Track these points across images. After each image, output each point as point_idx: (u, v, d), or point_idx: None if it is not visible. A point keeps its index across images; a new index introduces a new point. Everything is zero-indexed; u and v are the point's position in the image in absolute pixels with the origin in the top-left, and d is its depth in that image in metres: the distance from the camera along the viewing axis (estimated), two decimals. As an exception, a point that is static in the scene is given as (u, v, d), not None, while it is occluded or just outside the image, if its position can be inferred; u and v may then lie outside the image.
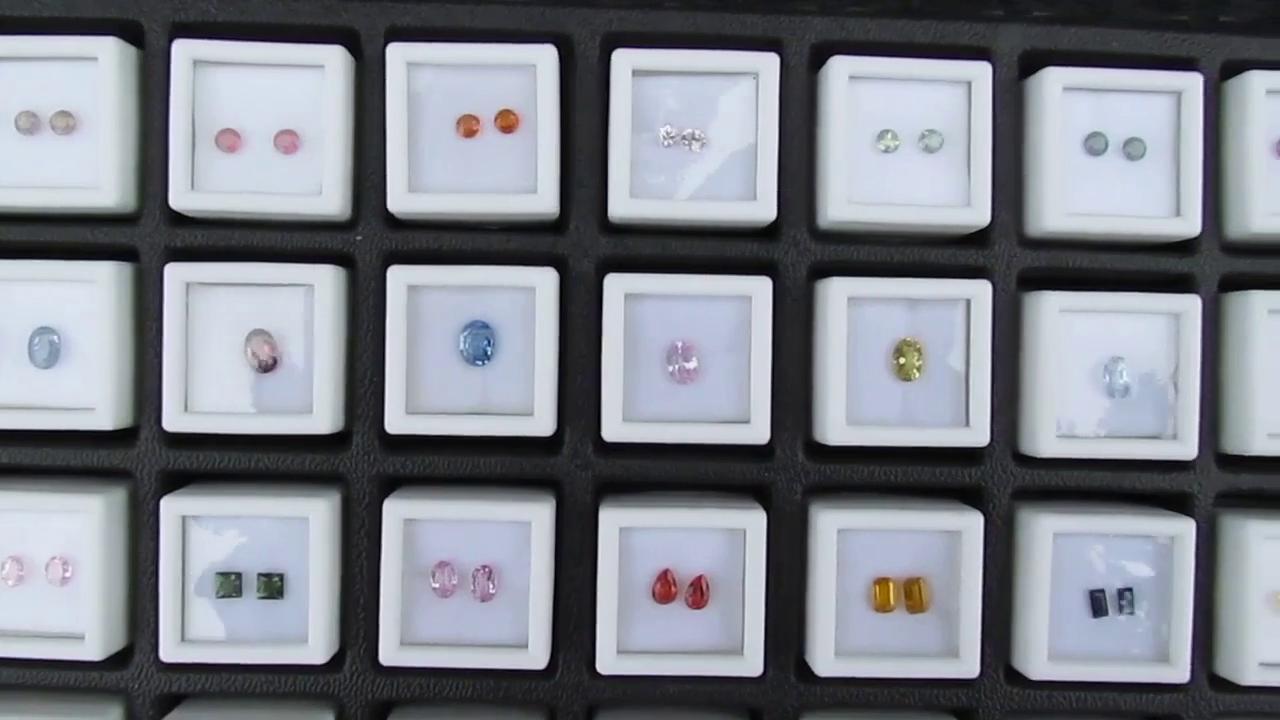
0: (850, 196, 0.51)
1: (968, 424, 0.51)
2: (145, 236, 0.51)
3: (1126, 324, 0.52)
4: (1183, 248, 0.53)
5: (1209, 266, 0.53)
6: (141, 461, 0.51)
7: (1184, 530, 0.51)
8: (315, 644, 0.50)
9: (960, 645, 0.51)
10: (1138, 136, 0.52)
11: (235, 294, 0.51)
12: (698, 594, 0.51)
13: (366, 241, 0.51)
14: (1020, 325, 0.53)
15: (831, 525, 0.51)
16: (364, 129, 0.51)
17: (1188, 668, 0.51)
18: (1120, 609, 0.52)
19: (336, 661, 0.52)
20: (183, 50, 0.50)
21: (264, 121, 0.50)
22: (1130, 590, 0.52)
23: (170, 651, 0.50)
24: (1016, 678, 0.52)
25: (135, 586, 0.51)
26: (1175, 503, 0.53)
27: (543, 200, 0.50)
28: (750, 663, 0.51)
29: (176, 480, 0.52)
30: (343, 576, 0.52)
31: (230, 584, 0.50)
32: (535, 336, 0.50)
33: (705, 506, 0.51)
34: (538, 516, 0.50)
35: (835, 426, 0.50)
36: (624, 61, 0.50)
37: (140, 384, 0.51)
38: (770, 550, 0.52)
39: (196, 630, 0.51)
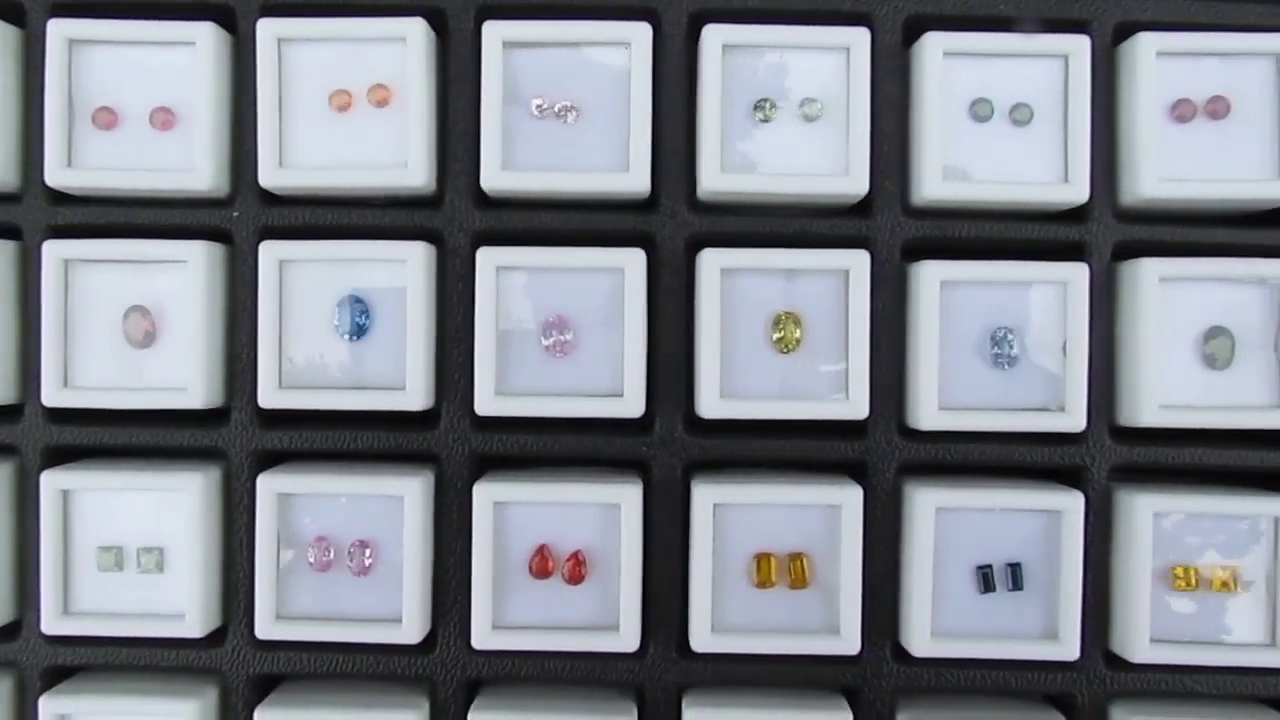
0: (725, 166, 0.50)
1: (847, 397, 0.50)
2: (27, 215, 0.52)
3: (1015, 294, 0.51)
4: (1077, 215, 0.52)
5: (1101, 234, 0.52)
6: (26, 437, 0.52)
7: (1072, 504, 0.50)
8: (192, 619, 0.50)
9: (841, 622, 0.50)
10: (1024, 102, 0.51)
11: (113, 271, 0.51)
12: (575, 569, 0.50)
13: (243, 217, 0.51)
14: (904, 297, 0.52)
15: (709, 500, 0.50)
16: (241, 105, 0.51)
17: (1077, 645, 0.50)
18: (1009, 585, 0.51)
19: (217, 636, 0.52)
20: (57, 29, 0.50)
21: (140, 99, 0.51)
22: (1019, 566, 0.51)
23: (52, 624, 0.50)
24: (903, 655, 0.51)
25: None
26: (1069, 477, 0.52)
27: (414, 174, 0.50)
28: (627, 639, 0.50)
29: (60, 456, 0.52)
30: (223, 552, 0.52)
31: (112, 558, 0.51)
32: (409, 311, 0.50)
33: (582, 481, 0.51)
34: (412, 491, 0.50)
35: (711, 400, 0.50)
36: (494, 33, 0.50)
37: (24, 361, 0.52)
38: (648, 526, 0.51)
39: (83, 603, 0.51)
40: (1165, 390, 0.50)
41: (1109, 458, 0.51)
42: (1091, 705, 0.51)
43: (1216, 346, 0.51)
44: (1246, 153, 0.51)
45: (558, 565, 0.51)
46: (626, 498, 0.50)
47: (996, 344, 0.51)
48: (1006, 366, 0.51)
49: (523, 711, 0.51)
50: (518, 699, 0.52)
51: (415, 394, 0.50)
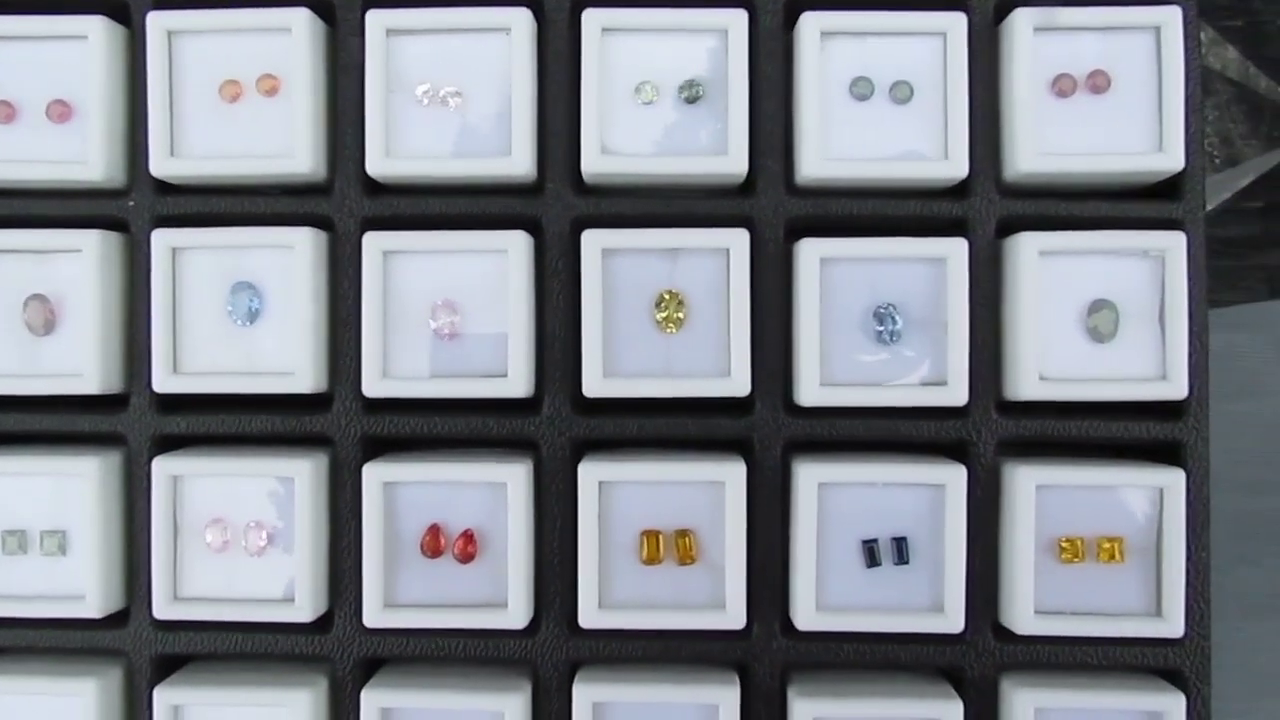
0: (607, 148, 0.51)
1: (729, 374, 0.51)
2: (-70, 207, 0.53)
3: (897, 270, 0.51)
4: (960, 191, 0.52)
5: (984, 210, 0.52)
6: (-68, 426, 0.53)
7: (955, 477, 0.50)
8: (92, 600, 0.51)
9: (728, 597, 0.50)
10: (904, 80, 0.51)
11: (14, 260, 0.52)
12: (466, 548, 0.51)
13: (139, 207, 0.53)
14: (789, 274, 0.52)
15: (595, 478, 0.51)
16: (135, 97, 0.53)
17: (962, 617, 0.50)
18: (895, 559, 0.51)
19: (120, 618, 0.53)
20: (-46, 26, 0.51)
21: (36, 92, 0.52)
22: (904, 540, 0.51)
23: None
24: (792, 630, 0.52)
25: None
26: (955, 451, 0.52)
27: (301, 162, 0.51)
28: (516, 616, 0.51)
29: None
30: (124, 534, 0.53)
31: (15, 541, 0.52)
32: (299, 296, 0.51)
33: (471, 461, 0.51)
34: (304, 473, 0.51)
35: (595, 380, 0.50)
36: (377, 21, 0.51)
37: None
38: (539, 504, 0.52)
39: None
40: (1049, 363, 0.51)
41: (995, 431, 0.52)
42: (981, 678, 0.52)
43: (1100, 319, 0.51)
44: (1128, 126, 0.51)
45: (449, 544, 0.51)
46: (513, 476, 0.51)
47: (880, 320, 0.51)
48: (890, 342, 0.51)
49: (416, 689, 0.51)
50: (412, 678, 0.53)
51: (306, 377, 0.51)
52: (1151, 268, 0.51)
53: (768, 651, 0.52)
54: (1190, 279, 0.51)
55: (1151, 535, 0.51)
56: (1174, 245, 0.51)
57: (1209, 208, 0.59)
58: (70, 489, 0.52)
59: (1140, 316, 0.51)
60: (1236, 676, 0.59)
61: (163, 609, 0.51)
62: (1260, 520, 0.65)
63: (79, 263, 0.52)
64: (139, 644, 0.53)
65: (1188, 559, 0.51)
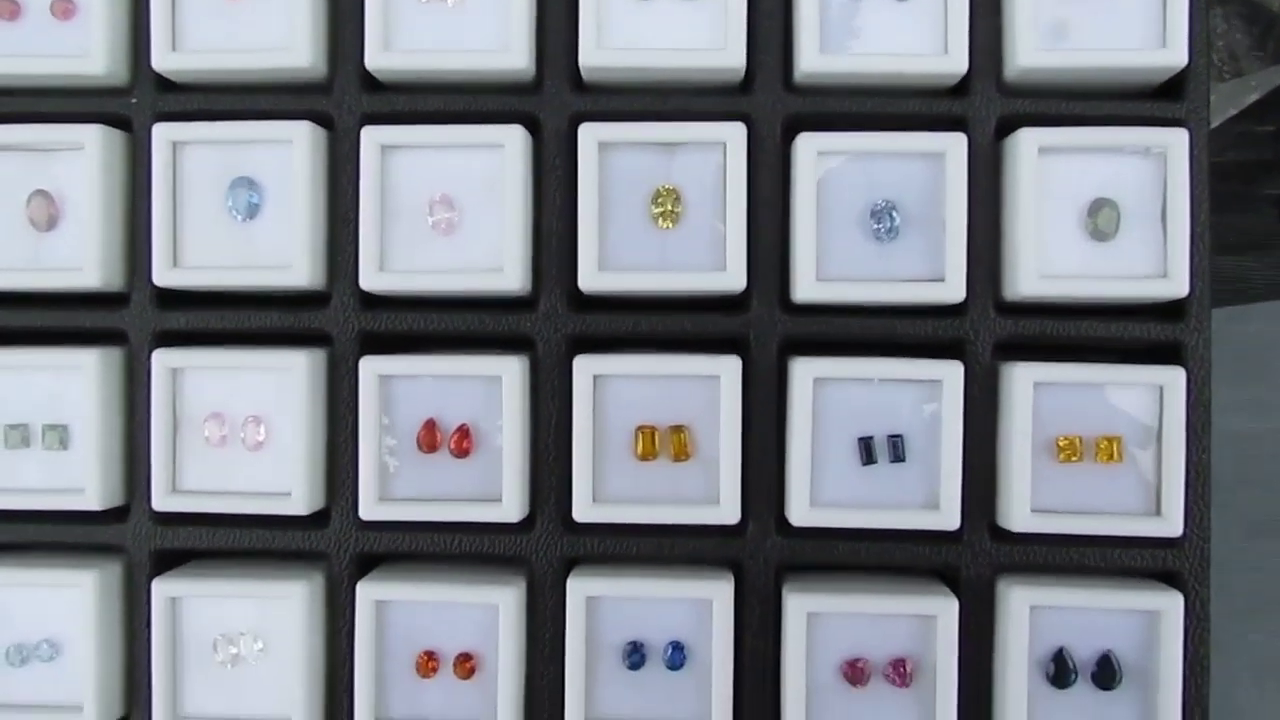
0: (605, 43, 0.51)
1: (725, 269, 0.51)
2: (-70, 106, 0.54)
3: (896, 167, 0.51)
4: (960, 90, 0.52)
5: (983, 108, 0.52)
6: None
7: (952, 374, 0.50)
8: (92, 493, 0.52)
9: (721, 493, 0.50)
10: (904, -24, 0.51)
11: (16, 157, 0.53)
12: (461, 442, 0.51)
13: (141, 104, 0.53)
14: (787, 171, 0.52)
15: (590, 372, 0.51)
16: (141, -6, 0.53)
17: (957, 514, 0.50)
18: (890, 456, 0.51)
19: (120, 513, 0.54)
20: (-40, -77, 0.52)
21: (40, -11, 0.53)
22: (901, 438, 0.51)
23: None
24: (785, 527, 0.52)
25: None
26: (953, 351, 0.52)
27: (300, 56, 0.51)
28: (509, 509, 0.51)
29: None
30: (124, 429, 0.53)
31: (18, 435, 0.53)
32: (297, 191, 0.51)
33: (466, 356, 0.52)
34: (301, 367, 0.51)
35: (591, 274, 0.50)
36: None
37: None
38: (535, 399, 0.52)
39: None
40: (1048, 262, 0.50)
41: (993, 330, 0.51)
42: (977, 577, 0.51)
43: (1101, 218, 0.51)
44: (1131, 22, 0.51)
45: (444, 439, 0.52)
46: (509, 371, 0.51)
47: (877, 217, 0.51)
48: (887, 239, 0.51)
49: (411, 583, 0.52)
50: (409, 572, 0.53)
51: (303, 271, 0.51)
52: (1154, 166, 0.51)
53: (762, 549, 0.52)
54: (1192, 178, 0.50)
55: (1151, 435, 0.50)
56: (1176, 143, 0.50)
57: (1214, 123, 0.58)
58: (71, 383, 0.52)
59: (1142, 216, 0.51)
60: (1239, 595, 0.58)
61: (161, 501, 0.52)
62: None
63: (81, 159, 0.52)
64: (138, 538, 0.53)
65: (1188, 459, 0.50)
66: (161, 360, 0.52)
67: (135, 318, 0.53)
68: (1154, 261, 0.51)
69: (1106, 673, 0.50)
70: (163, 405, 0.52)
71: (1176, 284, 0.50)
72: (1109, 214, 0.51)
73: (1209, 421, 0.51)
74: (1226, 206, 0.69)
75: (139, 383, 0.53)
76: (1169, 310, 0.52)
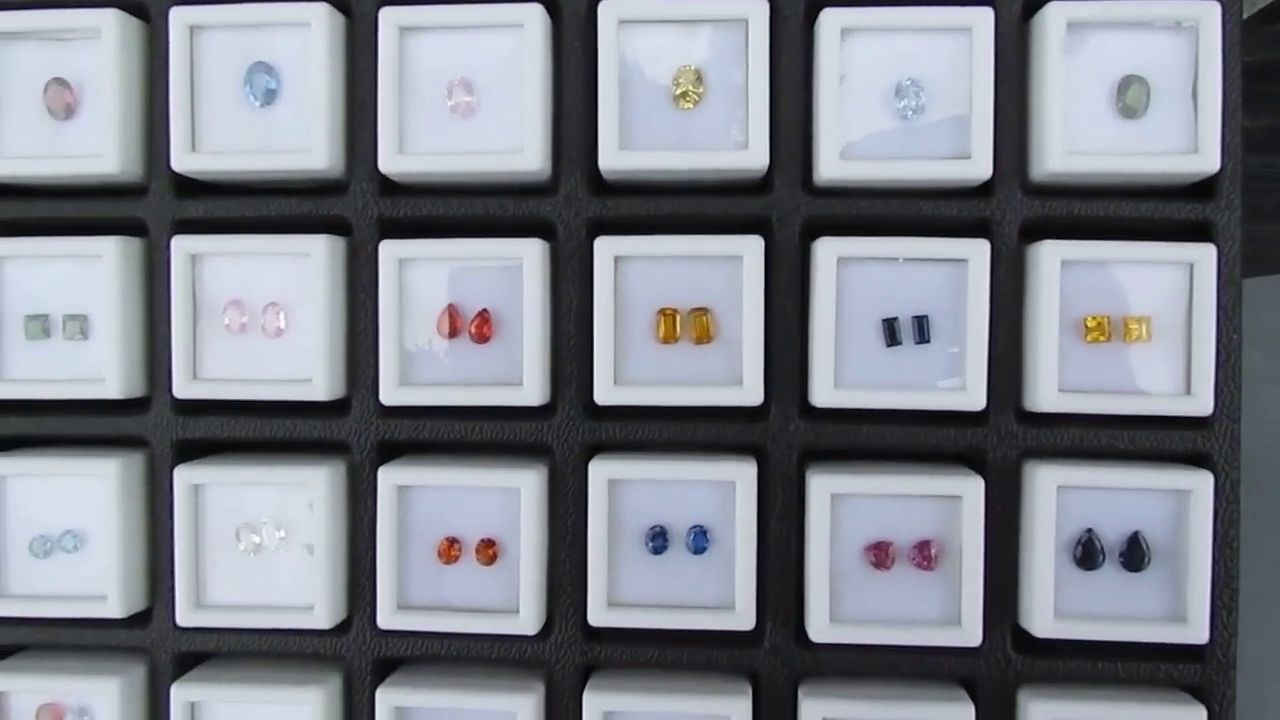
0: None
1: (747, 147, 0.50)
2: (-46, -6, 0.53)
3: (919, 43, 0.50)
4: (985, -32, 0.51)
5: (1010, -15, 0.51)
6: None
7: (978, 253, 0.49)
8: (112, 383, 0.52)
9: (744, 373, 0.50)
10: None
11: (33, 44, 0.52)
12: (481, 328, 0.51)
13: (157, -10, 0.53)
14: (809, 51, 0.51)
15: (610, 254, 0.50)
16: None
17: (983, 394, 0.49)
18: (915, 338, 0.50)
19: (142, 403, 0.54)
20: None
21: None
22: (925, 319, 0.50)
23: (-21, 387, 0.52)
24: (809, 411, 0.51)
25: None
26: (978, 231, 0.51)
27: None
28: (530, 394, 0.51)
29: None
30: (144, 319, 0.53)
31: (38, 325, 0.53)
32: (313, 76, 0.51)
33: (485, 239, 0.51)
34: (318, 251, 0.51)
35: (610, 153, 0.50)
36: None
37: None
38: (555, 283, 0.52)
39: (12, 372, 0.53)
40: (1076, 139, 0.49)
41: (1019, 210, 0.51)
42: (1002, 460, 0.51)
43: (1131, 95, 0.50)
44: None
45: (465, 324, 0.51)
46: (529, 254, 0.50)
47: (901, 95, 0.50)
48: (911, 119, 0.50)
49: (434, 468, 0.51)
50: (431, 459, 0.53)
51: (321, 156, 0.51)
52: (1185, 42, 0.50)
53: (785, 433, 0.51)
54: (1225, 52, 0.49)
55: (1181, 314, 0.50)
56: (1208, 16, 0.49)
57: (1246, 13, 0.57)
58: (91, 273, 0.52)
59: (1172, 93, 0.50)
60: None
61: (182, 388, 0.52)
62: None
63: (98, 46, 0.52)
64: (160, 428, 0.53)
65: (1218, 338, 0.49)
66: (181, 246, 0.51)
67: (154, 206, 0.53)
68: (1184, 138, 0.50)
69: (1135, 554, 0.49)
70: (183, 292, 0.52)
71: (1207, 159, 0.49)
72: (1138, 90, 0.50)
73: (1239, 300, 0.50)
74: (1258, 108, 0.68)
75: (158, 272, 0.53)
76: (1199, 191, 0.51)
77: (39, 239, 0.52)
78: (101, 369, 0.52)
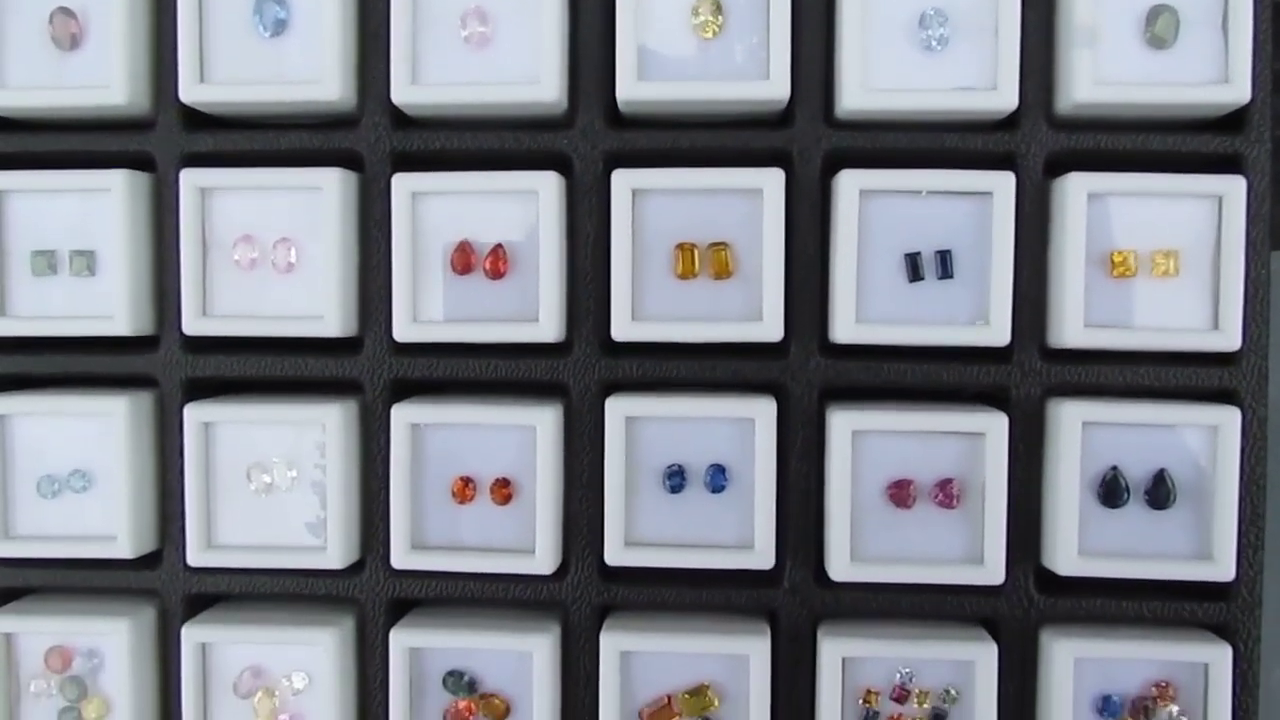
0: None
1: (769, 77, 0.49)
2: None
3: (944, -28, 0.49)
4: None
5: (1034, -91, 0.49)
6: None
7: (1003, 185, 0.48)
8: (121, 320, 0.51)
9: (764, 309, 0.49)
10: None
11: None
12: (495, 264, 0.50)
13: (160, -82, 0.51)
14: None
15: (628, 187, 0.49)
16: None
17: (1007, 329, 0.49)
18: (938, 272, 0.49)
19: (150, 341, 0.53)
20: None
21: None
22: (949, 252, 0.49)
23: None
24: (830, 347, 0.50)
25: None
26: (1003, 164, 0.50)
27: None
28: (546, 329, 0.50)
29: None
30: (153, 254, 0.52)
31: (44, 261, 0.52)
32: (326, 5, 0.50)
33: (501, 173, 0.50)
34: (333, 184, 0.50)
35: (628, 85, 0.49)
36: None
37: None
38: (572, 218, 0.51)
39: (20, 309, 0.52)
40: (1104, 68, 0.48)
41: (1044, 144, 0.50)
42: (1026, 398, 0.50)
43: (1160, 25, 0.49)
44: None
45: (479, 261, 0.50)
46: (545, 186, 0.49)
47: (925, 25, 0.49)
48: (935, 48, 0.49)
49: (448, 405, 0.51)
50: (441, 397, 0.52)
51: (333, 87, 0.50)
52: (1214, -32, 0.49)
53: (805, 370, 0.50)
54: (1255, -19, 0.48)
55: (1208, 249, 0.49)
56: (1238, -57, 0.48)
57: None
58: (98, 207, 0.51)
59: (1201, 23, 0.49)
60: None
61: (192, 324, 0.51)
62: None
63: (104, -24, 0.51)
64: (169, 366, 0.52)
65: (1246, 271, 0.48)
66: (190, 180, 0.50)
67: (162, 139, 0.52)
68: (1214, 69, 0.49)
69: (1160, 491, 0.49)
70: (192, 227, 0.51)
71: (1238, 89, 0.48)
72: (1168, 20, 0.49)
73: (1268, 235, 0.49)
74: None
75: (167, 207, 0.52)
76: (1227, 125, 0.50)
77: (45, 173, 0.51)
78: (109, 306, 0.51)
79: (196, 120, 0.52)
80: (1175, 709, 0.48)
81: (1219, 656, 0.48)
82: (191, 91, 0.50)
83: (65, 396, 0.52)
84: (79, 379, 0.54)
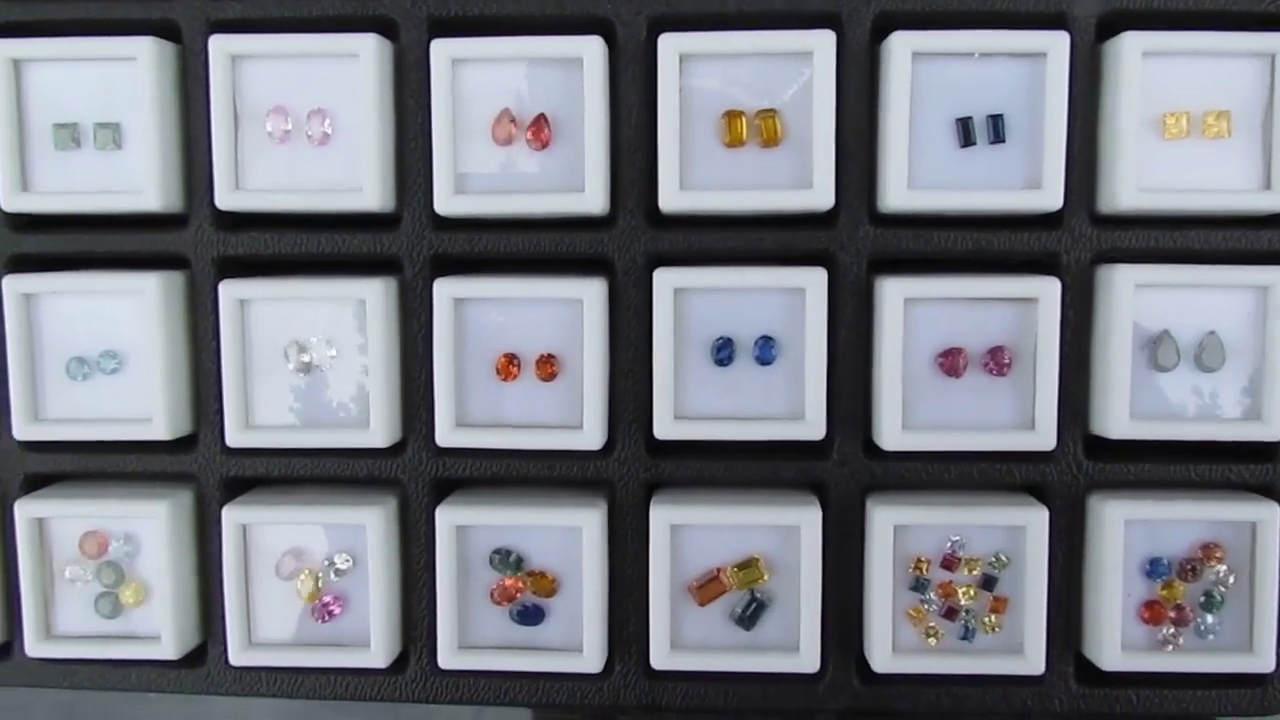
0: None
1: None
2: None
3: None
4: None
5: None
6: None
7: (1057, 45, 0.47)
8: (150, 195, 0.50)
9: (815, 177, 0.48)
10: None
11: None
12: (540, 132, 0.49)
13: None
14: None
15: (674, 50, 0.48)
16: None
17: (1059, 193, 0.48)
18: (990, 137, 0.48)
19: (180, 220, 0.51)
20: None
21: None
22: (1000, 117, 0.48)
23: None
24: (880, 217, 0.50)
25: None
26: (1054, 23, 0.49)
27: None
28: (592, 199, 0.49)
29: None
30: (181, 126, 0.51)
31: (67, 134, 0.50)
32: None
33: (543, 41, 0.49)
34: (366, 51, 0.48)
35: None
36: None
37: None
38: (612, 88, 0.50)
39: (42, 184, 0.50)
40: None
41: (1096, 3, 0.49)
42: (1076, 263, 0.49)
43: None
44: None
45: (521, 130, 0.49)
46: (589, 52, 0.48)
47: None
48: (988, -94, 0.48)
49: (490, 279, 0.50)
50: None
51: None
52: None
53: (854, 239, 0.50)
54: None
55: (1259, 108, 0.48)
56: None
57: None
58: (122, 75, 0.49)
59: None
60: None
61: (225, 199, 0.49)
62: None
63: None
64: (201, 244, 0.51)
65: (1298, 133, 0.48)
66: (220, 45, 0.49)
67: (188, 5, 0.50)
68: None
69: (1211, 353, 0.49)
70: (222, 97, 0.49)
71: (1294, -54, 0.47)
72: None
73: (1320, 95, 0.49)
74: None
75: (195, 76, 0.50)
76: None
77: (65, 39, 0.49)
78: (137, 180, 0.50)
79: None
80: (1223, 569, 0.49)
81: (1267, 515, 0.48)
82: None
83: (93, 275, 0.51)
84: (105, 259, 0.52)
